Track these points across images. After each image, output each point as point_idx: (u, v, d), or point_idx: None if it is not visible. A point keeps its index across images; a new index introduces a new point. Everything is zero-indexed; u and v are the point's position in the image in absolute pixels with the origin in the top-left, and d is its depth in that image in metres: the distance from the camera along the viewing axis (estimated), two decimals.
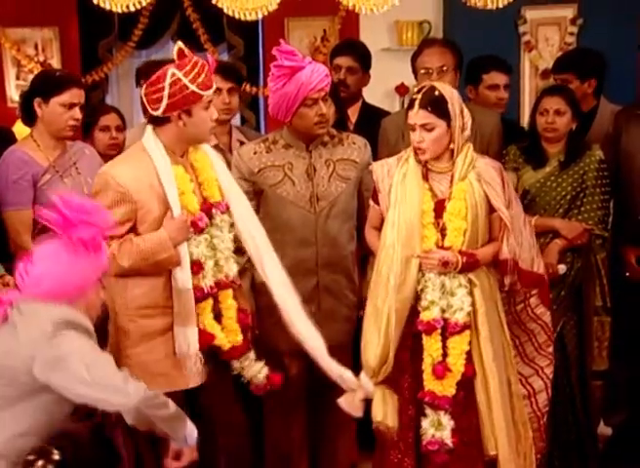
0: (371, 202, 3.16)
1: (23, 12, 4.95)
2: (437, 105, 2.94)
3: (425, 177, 3.02)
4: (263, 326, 3.25)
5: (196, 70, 2.79)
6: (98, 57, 5.42)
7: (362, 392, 3.02)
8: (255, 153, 3.26)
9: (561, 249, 3.48)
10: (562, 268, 3.48)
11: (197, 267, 2.88)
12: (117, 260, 2.80)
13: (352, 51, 4.17)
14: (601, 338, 3.67)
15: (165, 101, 2.78)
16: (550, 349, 3.22)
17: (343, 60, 4.13)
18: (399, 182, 3.01)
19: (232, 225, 2.98)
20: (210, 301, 2.93)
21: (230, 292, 2.99)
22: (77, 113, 3.24)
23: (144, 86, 2.83)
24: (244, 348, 3.00)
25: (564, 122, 3.49)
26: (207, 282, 2.91)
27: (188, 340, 2.87)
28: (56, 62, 5.32)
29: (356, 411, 3.06)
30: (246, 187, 3.17)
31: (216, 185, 2.97)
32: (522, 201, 3.49)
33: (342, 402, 3.06)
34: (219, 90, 3.55)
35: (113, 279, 2.88)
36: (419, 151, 2.98)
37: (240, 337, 2.99)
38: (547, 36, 5.22)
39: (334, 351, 3.06)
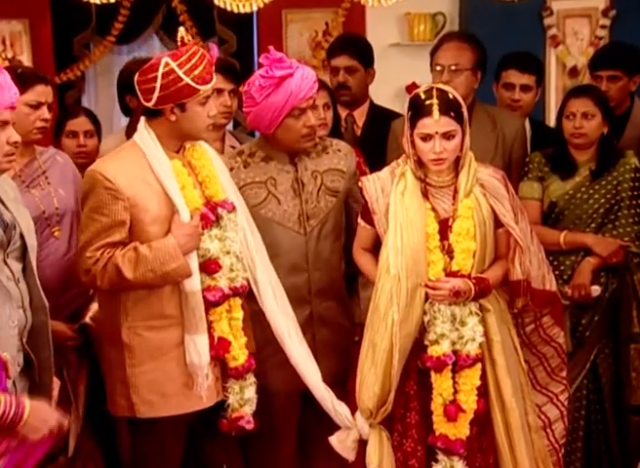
0: (360, 221, 3.10)
1: None
2: (455, 110, 2.91)
3: (425, 195, 2.97)
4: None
5: (193, 62, 2.77)
6: (73, 53, 5.39)
7: (357, 432, 3.01)
8: (231, 170, 3.16)
9: (594, 268, 3.48)
10: (596, 290, 3.48)
11: (215, 266, 2.84)
12: (122, 272, 2.75)
13: (348, 48, 4.09)
14: (639, 369, 3.60)
15: (157, 93, 2.79)
16: (564, 373, 3.20)
17: (340, 61, 4.10)
18: (397, 202, 2.95)
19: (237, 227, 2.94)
20: (226, 306, 2.90)
21: (239, 301, 2.94)
22: (45, 113, 3.16)
23: (138, 74, 2.83)
24: (251, 365, 2.96)
25: (593, 126, 3.48)
26: (224, 283, 2.87)
27: (199, 350, 2.83)
28: (26, 59, 5.26)
29: (348, 453, 3.05)
30: None
31: (218, 183, 2.95)
32: (549, 214, 3.58)
33: (334, 440, 3.04)
34: (220, 91, 3.55)
35: (109, 290, 2.85)
36: (438, 162, 2.92)
37: (247, 352, 2.95)
38: (576, 29, 5.19)
39: (332, 387, 3.05)
